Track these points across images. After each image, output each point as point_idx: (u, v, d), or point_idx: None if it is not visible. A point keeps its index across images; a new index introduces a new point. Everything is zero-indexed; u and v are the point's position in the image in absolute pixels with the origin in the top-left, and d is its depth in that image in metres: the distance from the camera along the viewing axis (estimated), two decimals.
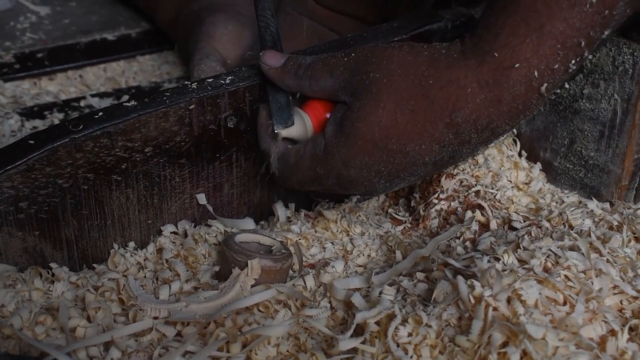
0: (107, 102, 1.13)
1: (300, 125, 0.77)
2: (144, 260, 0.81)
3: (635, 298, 0.68)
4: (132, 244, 0.82)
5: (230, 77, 0.81)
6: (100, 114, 0.75)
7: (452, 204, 0.88)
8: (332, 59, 0.75)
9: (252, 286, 0.75)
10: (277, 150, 0.78)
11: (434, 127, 0.69)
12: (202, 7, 1.08)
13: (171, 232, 0.83)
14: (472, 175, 0.88)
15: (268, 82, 0.79)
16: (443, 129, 0.69)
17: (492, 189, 0.87)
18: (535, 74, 0.66)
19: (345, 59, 0.73)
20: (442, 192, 0.88)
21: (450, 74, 0.68)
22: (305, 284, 0.78)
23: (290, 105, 0.78)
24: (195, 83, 0.79)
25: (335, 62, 0.74)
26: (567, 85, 0.87)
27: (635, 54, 0.81)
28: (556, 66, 0.66)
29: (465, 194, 0.87)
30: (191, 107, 0.78)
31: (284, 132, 0.77)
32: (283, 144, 0.78)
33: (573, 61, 0.66)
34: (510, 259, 0.71)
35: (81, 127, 0.74)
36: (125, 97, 1.13)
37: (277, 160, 0.78)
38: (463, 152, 0.71)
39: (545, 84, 0.66)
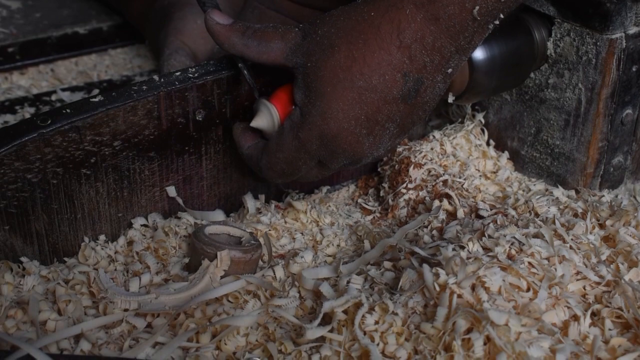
0: (78, 96, 1.13)
1: (267, 116, 0.77)
2: (115, 253, 0.81)
3: (598, 283, 0.70)
4: (102, 237, 0.82)
5: (197, 71, 0.81)
6: (68, 109, 0.76)
7: (421, 193, 0.89)
8: (284, 27, 0.77)
9: (222, 277, 0.75)
10: (247, 142, 0.79)
11: (389, 52, 0.71)
12: (171, 2, 1.08)
13: (141, 225, 0.84)
14: (440, 165, 0.89)
15: None
16: (397, 53, 0.71)
17: (460, 178, 0.88)
18: None
19: (297, 29, 0.76)
20: (411, 181, 0.89)
21: (388, 1, 0.71)
22: (274, 274, 0.78)
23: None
24: (163, 77, 0.80)
25: (287, 29, 0.76)
26: (532, 75, 0.89)
27: (598, 43, 0.82)
28: None
29: (434, 184, 0.88)
30: (159, 100, 0.78)
31: (253, 123, 0.78)
32: (254, 136, 0.80)
33: None
34: (475, 247, 0.72)
35: (49, 122, 0.74)
36: (97, 91, 1.13)
37: (259, 155, 0.79)
38: (425, 83, 0.73)
39: (477, 7, 0.69)
